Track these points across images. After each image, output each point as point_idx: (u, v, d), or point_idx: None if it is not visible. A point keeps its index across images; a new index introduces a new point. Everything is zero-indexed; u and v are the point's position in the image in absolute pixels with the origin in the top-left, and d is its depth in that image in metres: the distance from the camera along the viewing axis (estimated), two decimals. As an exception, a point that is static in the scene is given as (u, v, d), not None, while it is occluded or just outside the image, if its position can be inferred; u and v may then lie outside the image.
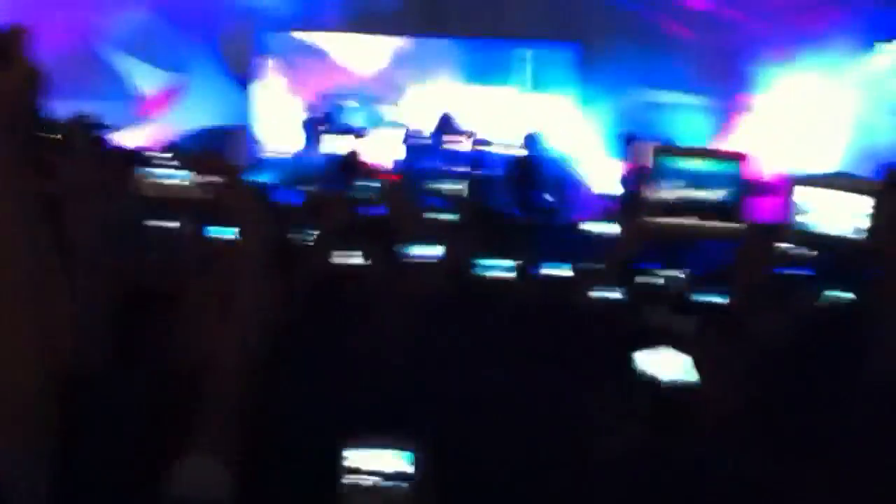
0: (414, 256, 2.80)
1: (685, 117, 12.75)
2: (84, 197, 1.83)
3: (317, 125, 12.95)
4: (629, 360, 2.30)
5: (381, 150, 12.41)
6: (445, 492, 1.60)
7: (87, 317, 1.78)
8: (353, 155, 11.37)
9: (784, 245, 3.36)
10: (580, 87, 13.50)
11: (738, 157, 1.92)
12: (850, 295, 3.75)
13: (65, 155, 2.12)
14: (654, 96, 13.09)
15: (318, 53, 13.85)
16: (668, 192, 1.89)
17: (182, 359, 1.82)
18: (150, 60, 13.04)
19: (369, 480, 1.66)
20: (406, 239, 2.69)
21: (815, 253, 4.00)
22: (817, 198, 1.67)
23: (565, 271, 4.72)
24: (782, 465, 2.02)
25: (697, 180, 1.91)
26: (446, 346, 2.27)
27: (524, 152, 12.67)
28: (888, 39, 11.62)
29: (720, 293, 2.42)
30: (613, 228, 3.91)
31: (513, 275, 3.29)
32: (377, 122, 13.63)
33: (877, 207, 1.57)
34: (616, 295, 2.57)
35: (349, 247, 3.04)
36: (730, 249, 2.39)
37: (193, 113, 12.80)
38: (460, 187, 6.96)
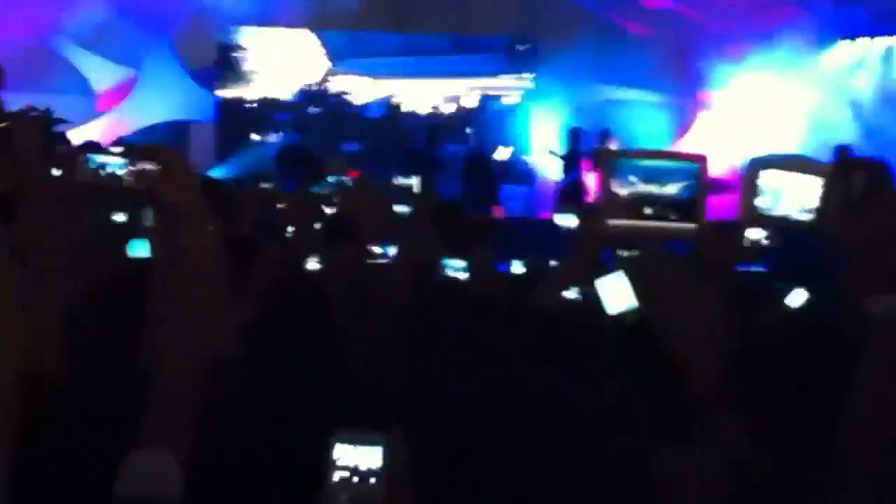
0: (378, 255, 2.78)
1: (643, 114, 12.83)
2: (29, 196, 1.73)
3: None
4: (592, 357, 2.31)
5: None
6: (420, 486, 1.59)
7: (40, 318, 1.75)
8: (301, 149, 11.27)
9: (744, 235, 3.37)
10: (538, 82, 13.56)
11: (696, 159, 1.93)
12: (808, 291, 3.77)
13: (5, 152, 2.04)
14: (611, 93, 13.16)
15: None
16: (623, 192, 1.88)
17: (134, 358, 1.79)
18: (105, 54, 12.88)
19: (340, 475, 1.63)
20: (369, 237, 2.66)
21: (770, 239, 4.00)
22: (774, 179, 1.67)
23: (521, 268, 4.73)
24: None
25: (654, 180, 1.90)
26: (414, 346, 2.26)
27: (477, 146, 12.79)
28: (846, 37, 11.76)
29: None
30: (573, 222, 3.92)
31: (466, 275, 3.28)
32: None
33: (826, 188, 1.57)
34: (574, 294, 2.57)
35: (312, 246, 3.02)
36: (689, 249, 2.39)
37: (149, 107, 12.66)
38: (416, 181, 6.94)
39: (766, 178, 1.69)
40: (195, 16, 13.13)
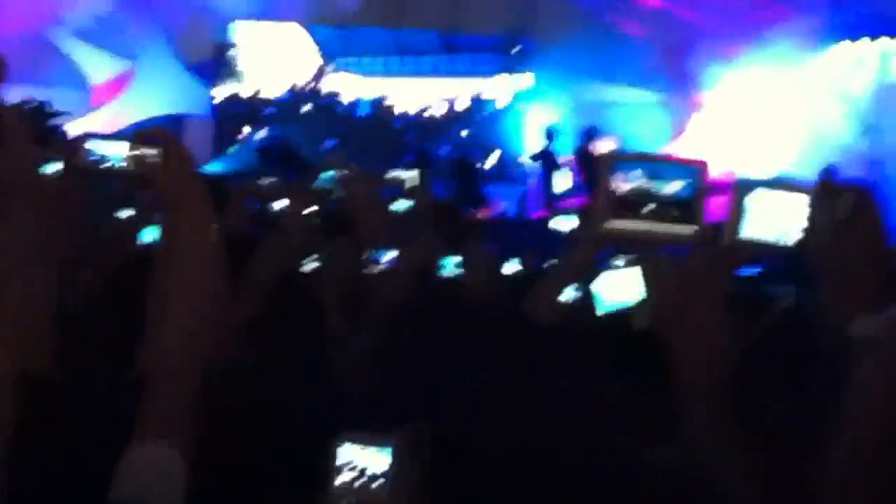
0: (379, 257, 2.76)
1: (638, 114, 12.84)
2: (17, 189, 1.66)
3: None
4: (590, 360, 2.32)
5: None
6: (425, 488, 1.59)
7: (31, 315, 1.74)
8: (284, 145, 11.24)
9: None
10: (533, 81, 13.57)
11: (697, 163, 1.94)
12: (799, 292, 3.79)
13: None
14: (606, 92, 13.17)
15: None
16: (623, 189, 1.89)
17: (131, 357, 1.78)
18: (103, 47, 12.86)
19: (346, 477, 1.63)
20: (369, 235, 2.65)
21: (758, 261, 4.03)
22: (758, 202, 1.69)
23: (516, 266, 4.74)
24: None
25: (654, 179, 1.91)
26: (414, 349, 2.26)
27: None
28: (841, 38, 11.77)
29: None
30: (573, 224, 3.92)
31: (461, 272, 3.28)
32: None
33: (811, 211, 1.59)
34: (570, 297, 2.57)
35: (311, 244, 3.01)
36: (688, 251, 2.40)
37: (146, 101, 12.64)
38: (412, 175, 6.89)
39: (753, 200, 1.72)
40: (193, 10, 13.11)
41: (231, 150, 12.93)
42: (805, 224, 1.61)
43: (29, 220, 1.54)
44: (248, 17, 13.48)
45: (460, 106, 13.77)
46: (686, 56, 12.52)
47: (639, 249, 2.70)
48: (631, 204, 1.94)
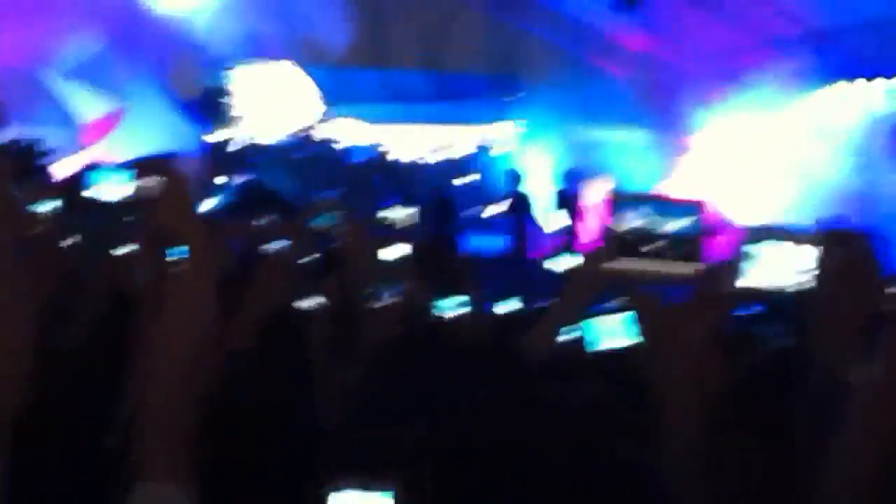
0: (371, 296, 2.75)
1: (627, 154, 12.90)
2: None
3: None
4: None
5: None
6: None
7: (28, 348, 1.71)
8: (257, 185, 11.23)
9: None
10: (519, 122, 13.64)
11: (696, 204, 1.94)
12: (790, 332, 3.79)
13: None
14: (595, 133, 13.23)
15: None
16: (624, 229, 1.89)
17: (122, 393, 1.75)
18: (92, 86, 12.87)
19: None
20: (361, 276, 2.64)
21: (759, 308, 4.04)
22: (760, 251, 1.69)
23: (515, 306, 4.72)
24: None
25: (655, 219, 1.91)
26: (406, 389, 2.24)
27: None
28: (825, 81, 11.88)
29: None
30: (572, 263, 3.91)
31: (454, 313, 3.27)
32: None
33: (810, 259, 1.61)
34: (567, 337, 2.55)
35: (306, 284, 2.99)
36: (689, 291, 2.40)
37: (136, 140, 12.63)
38: (411, 213, 6.82)
39: (755, 248, 1.72)
40: (182, 50, 13.15)
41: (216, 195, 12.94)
42: (804, 271, 1.62)
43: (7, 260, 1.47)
44: (236, 57, 13.52)
45: (455, 153, 13.82)
46: (672, 98, 12.61)
47: (636, 290, 2.69)
48: (633, 243, 1.93)
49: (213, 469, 1.62)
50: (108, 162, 1.76)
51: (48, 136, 11.15)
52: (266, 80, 13.77)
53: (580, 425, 2.09)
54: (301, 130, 13.77)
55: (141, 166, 1.66)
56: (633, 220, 1.97)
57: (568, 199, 12.37)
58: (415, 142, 13.88)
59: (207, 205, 12.40)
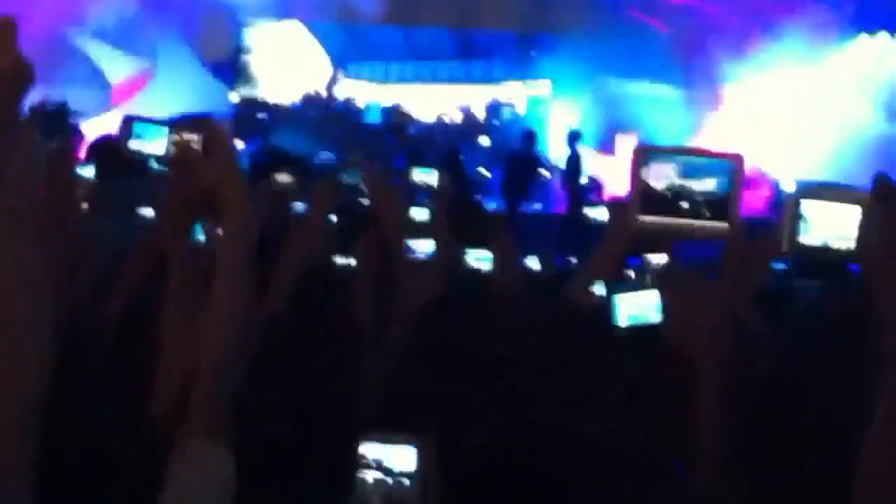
0: (406, 252, 2.75)
1: (660, 109, 12.77)
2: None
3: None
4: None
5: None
6: (448, 488, 1.57)
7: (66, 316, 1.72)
8: (273, 145, 11.19)
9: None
10: (553, 77, 13.50)
11: (733, 158, 1.91)
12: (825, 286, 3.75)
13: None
14: (625, 87, 13.10)
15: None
16: (658, 186, 1.86)
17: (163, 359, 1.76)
18: (122, 47, 12.88)
19: (373, 475, 1.61)
20: (394, 234, 2.63)
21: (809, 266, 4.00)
22: (815, 209, 1.66)
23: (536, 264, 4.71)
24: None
25: (689, 176, 1.88)
26: (447, 342, 2.24)
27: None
28: (861, 32, 11.68)
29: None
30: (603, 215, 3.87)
31: (489, 266, 3.27)
32: None
33: (865, 218, 1.56)
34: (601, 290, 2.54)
35: (338, 240, 2.99)
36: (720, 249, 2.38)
37: (164, 100, 12.65)
38: (434, 176, 6.77)
39: (808, 207, 1.67)
40: (211, 10, 13.12)
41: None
42: (859, 232, 1.57)
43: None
44: (262, 15, 13.46)
45: (478, 113, 13.65)
46: (706, 51, 12.45)
47: (671, 245, 2.66)
48: (664, 199, 1.90)
49: (253, 429, 1.64)
50: (145, 118, 1.75)
51: (77, 96, 11.19)
52: (283, 40, 13.73)
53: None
54: (316, 91, 13.72)
55: (182, 125, 1.63)
56: (665, 175, 1.94)
57: (598, 155, 12.29)
58: (434, 101, 13.76)
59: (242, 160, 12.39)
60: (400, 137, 13.00)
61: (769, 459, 1.97)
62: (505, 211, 10.68)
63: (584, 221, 5.42)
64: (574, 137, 12.34)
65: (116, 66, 12.97)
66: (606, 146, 12.77)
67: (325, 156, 11.96)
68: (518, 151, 12.35)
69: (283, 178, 5.59)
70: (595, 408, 1.92)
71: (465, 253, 3.47)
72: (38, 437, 1.24)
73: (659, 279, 2.41)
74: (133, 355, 1.85)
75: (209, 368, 1.60)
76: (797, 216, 1.62)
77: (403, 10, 13.68)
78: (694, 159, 2.00)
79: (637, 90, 13.00)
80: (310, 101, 13.61)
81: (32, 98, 1.50)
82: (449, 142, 12.86)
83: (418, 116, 13.58)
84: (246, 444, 1.66)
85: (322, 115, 13.51)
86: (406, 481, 1.59)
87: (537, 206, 11.94)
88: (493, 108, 13.59)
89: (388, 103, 13.59)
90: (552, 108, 13.42)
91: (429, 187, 4.19)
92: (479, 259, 3.47)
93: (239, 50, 13.53)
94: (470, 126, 13.57)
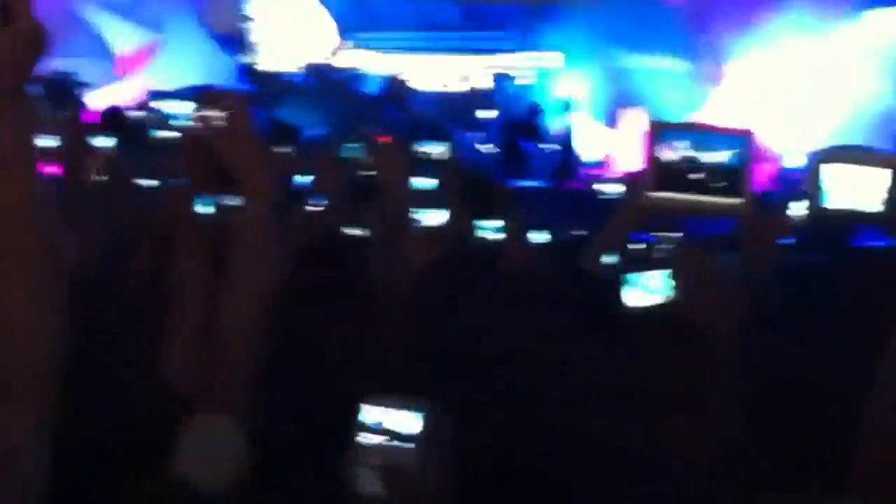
0: (416, 222, 2.75)
1: (666, 82, 12.70)
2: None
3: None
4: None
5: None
6: (453, 453, 1.58)
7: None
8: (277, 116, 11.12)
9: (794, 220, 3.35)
10: (562, 49, 13.40)
11: (744, 133, 1.91)
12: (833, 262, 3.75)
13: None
14: (632, 60, 13.01)
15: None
16: (670, 159, 1.86)
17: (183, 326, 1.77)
18: (129, 18, 12.84)
19: (377, 438, 1.62)
20: (402, 203, 2.63)
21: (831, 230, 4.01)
22: (838, 173, 1.65)
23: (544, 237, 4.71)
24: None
25: (701, 149, 1.88)
26: (452, 311, 2.25)
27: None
28: (871, 6, 11.60)
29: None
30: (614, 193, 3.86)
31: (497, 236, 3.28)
32: None
33: (893, 181, 1.56)
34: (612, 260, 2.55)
35: (348, 212, 2.99)
36: (734, 223, 2.38)
37: (172, 72, 12.62)
38: (442, 150, 6.69)
39: (829, 171, 1.67)
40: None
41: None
42: (885, 195, 1.57)
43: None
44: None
45: (483, 84, 13.50)
46: (713, 24, 12.36)
47: (683, 221, 2.67)
48: (677, 174, 1.90)
49: (265, 400, 1.65)
50: (164, 91, 1.74)
51: (85, 68, 11.17)
52: (284, 8, 13.64)
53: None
54: (317, 60, 13.62)
55: (205, 99, 1.63)
56: (676, 151, 1.94)
57: (606, 129, 12.23)
58: (438, 72, 13.64)
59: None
60: (401, 108, 12.90)
61: (782, 441, 1.98)
62: (509, 183, 10.64)
63: (590, 196, 5.40)
64: (565, 108, 12.32)
65: (124, 38, 12.93)
66: (614, 120, 12.71)
67: (318, 129, 11.91)
68: (522, 124, 12.30)
69: (281, 150, 5.56)
70: (596, 407, 1.93)
71: (473, 224, 3.47)
72: (53, 403, 1.25)
73: (671, 256, 2.42)
74: (148, 322, 1.86)
75: (231, 344, 1.61)
76: (818, 182, 1.62)
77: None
78: (706, 135, 2.00)
79: (642, 63, 12.91)
80: (311, 71, 13.51)
81: (41, 68, 1.51)
82: (455, 113, 12.77)
83: (424, 87, 13.44)
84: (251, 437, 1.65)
85: (321, 84, 13.40)
86: (408, 445, 1.59)
87: (537, 180, 11.87)
88: (500, 80, 13.46)
89: (387, 73, 13.42)
90: (560, 80, 13.32)
91: (436, 159, 4.19)
92: (488, 230, 3.47)
93: (244, 18, 13.45)
94: (476, 97, 13.45)
